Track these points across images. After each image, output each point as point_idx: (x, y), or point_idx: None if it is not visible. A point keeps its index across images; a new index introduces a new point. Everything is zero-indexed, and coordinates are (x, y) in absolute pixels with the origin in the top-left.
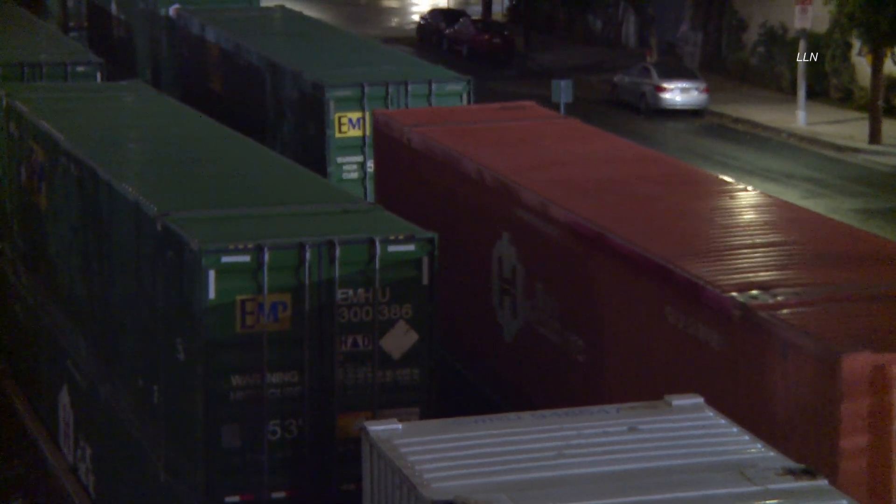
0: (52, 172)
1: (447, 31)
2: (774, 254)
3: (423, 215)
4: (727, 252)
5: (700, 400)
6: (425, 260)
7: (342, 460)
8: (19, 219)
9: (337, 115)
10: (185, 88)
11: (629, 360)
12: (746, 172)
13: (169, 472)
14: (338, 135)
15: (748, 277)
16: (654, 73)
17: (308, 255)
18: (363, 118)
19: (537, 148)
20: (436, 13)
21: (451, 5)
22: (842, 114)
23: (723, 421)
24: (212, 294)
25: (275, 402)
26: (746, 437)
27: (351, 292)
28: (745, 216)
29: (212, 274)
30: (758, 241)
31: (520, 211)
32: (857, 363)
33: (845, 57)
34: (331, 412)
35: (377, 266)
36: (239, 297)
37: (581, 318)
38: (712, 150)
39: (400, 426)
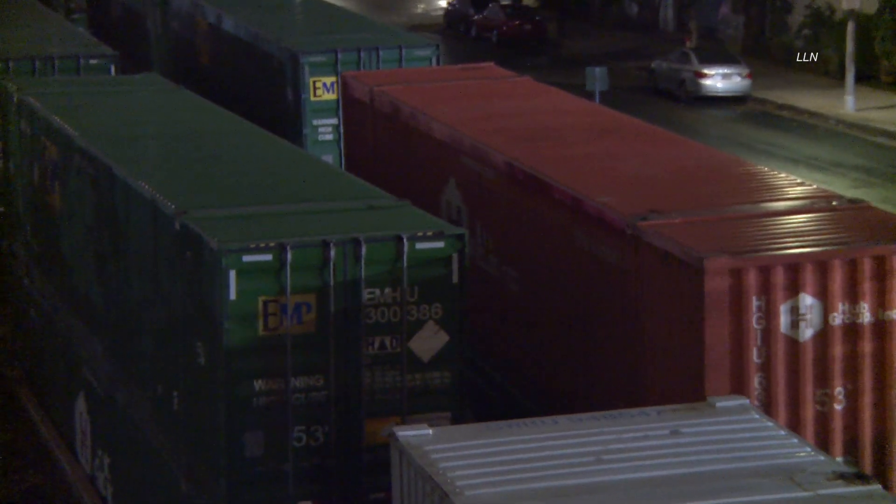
0: (65, 171)
1: (476, 17)
2: (671, 185)
3: (385, 168)
4: (631, 184)
5: (745, 401)
6: (455, 257)
7: (370, 468)
8: (32, 219)
9: (312, 80)
10: (177, 63)
11: (551, 284)
12: (792, 161)
13: (190, 482)
14: (313, 98)
15: (644, 203)
16: (694, 59)
17: (333, 253)
18: (337, 82)
19: (487, 103)
20: None
21: None
22: (893, 98)
23: (769, 423)
24: (233, 295)
25: (299, 407)
26: (795, 440)
27: (378, 292)
28: (659, 156)
29: (233, 274)
30: (660, 175)
31: (463, 157)
32: (717, 265)
33: None
34: (358, 418)
35: (405, 264)
36: (261, 299)
37: (514, 251)
38: (756, 138)
39: (430, 431)
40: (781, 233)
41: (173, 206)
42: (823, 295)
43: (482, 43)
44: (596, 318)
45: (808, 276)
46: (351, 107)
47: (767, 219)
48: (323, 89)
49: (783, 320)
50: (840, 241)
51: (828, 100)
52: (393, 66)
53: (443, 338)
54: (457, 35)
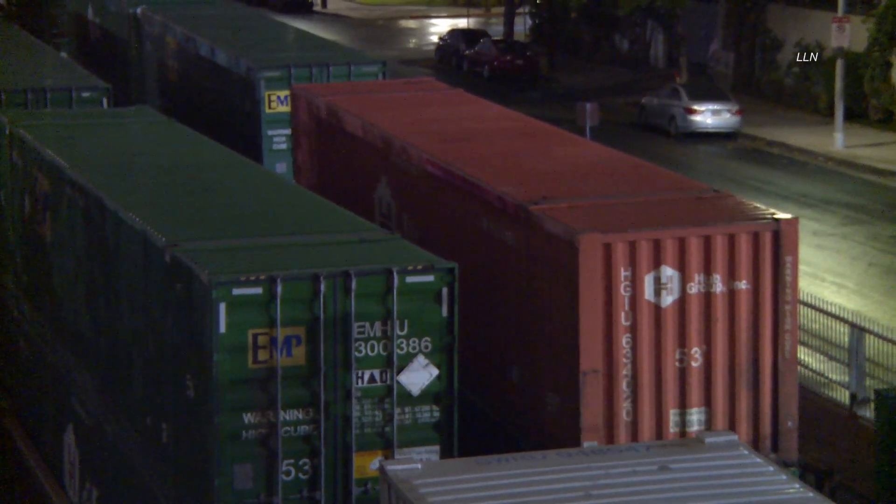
0: (56, 202)
1: (467, 52)
2: (565, 177)
3: (327, 170)
4: (531, 176)
5: (734, 437)
6: (445, 291)
7: (359, 502)
8: (23, 250)
9: (267, 94)
10: (150, 82)
11: (464, 266)
12: (782, 198)
13: None
14: (268, 110)
15: (538, 192)
16: (684, 95)
17: (323, 286)
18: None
19: (420, 111)
20: (455, 34)
21: (471, 26)
22: (881, 136)
23: (758, 460)
24: (223, 328)
25: (289, 440)
26: (783, 477)
27: (367, 325)
28: (561, 154)
29: (222, 307)
30: (557, 169)
31: (392, 157)
32: (590, 241)
33: (885, 77)
34: (347, 451)
35: (395, 298)
36: (251, 331)
37: (434, 238)
38: (746, 174)
39: (419, 465)
40: (650, 215)
41: (164, 239)
42: (682, 267)
43: (473, 78)
44: (500, 293)
45: (669, 250)
46: (299, 116)
47: (642, 204)
48: (277, 102)
49: (647, 289)
50: (697, 222)
51: (817, 137)
52: (343, 81)
53: (432, 372)
54: (448, 70)
